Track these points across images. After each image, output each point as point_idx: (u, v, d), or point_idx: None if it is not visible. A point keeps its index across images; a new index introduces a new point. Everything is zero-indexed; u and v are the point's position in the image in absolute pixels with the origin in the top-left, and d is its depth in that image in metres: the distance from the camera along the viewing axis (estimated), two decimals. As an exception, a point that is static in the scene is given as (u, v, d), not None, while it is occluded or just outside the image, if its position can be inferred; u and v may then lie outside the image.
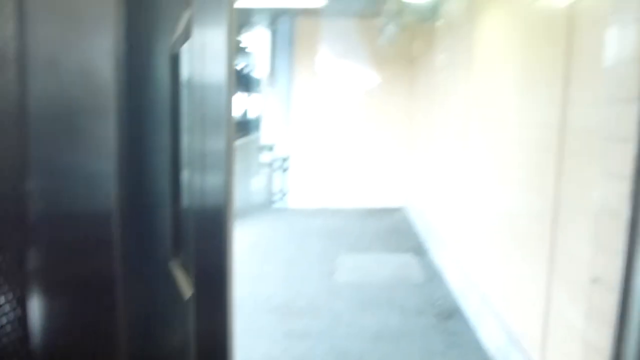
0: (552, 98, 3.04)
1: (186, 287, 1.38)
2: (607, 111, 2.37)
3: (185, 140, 1.54)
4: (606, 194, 2.35)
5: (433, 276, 5.98)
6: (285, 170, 9.83)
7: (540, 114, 3.31)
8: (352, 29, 9.06)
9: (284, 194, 9.91)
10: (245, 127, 11.94)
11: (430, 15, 6.62)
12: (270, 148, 10.04)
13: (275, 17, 9.33)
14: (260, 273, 6.06)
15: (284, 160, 9.81)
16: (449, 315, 4.90)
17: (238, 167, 14.17)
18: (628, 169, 2.01)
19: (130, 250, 1.43)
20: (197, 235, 1.22)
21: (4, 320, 1.21)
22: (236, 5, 1.24)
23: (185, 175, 1.56)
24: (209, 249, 1.23)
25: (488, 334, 4.16)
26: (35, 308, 1.30)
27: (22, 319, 1.27)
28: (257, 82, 12.50)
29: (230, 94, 1.22)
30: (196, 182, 1.22)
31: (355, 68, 9.55)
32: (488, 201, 4.45)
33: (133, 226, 1.48)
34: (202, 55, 1.19)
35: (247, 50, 12.10)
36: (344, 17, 8.88)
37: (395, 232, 8.10)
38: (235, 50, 1.32)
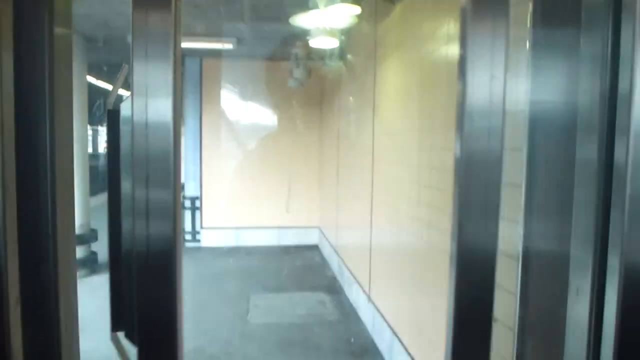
0: (451, 142, 3.19)
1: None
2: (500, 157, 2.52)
3: (126, 188, 1.49)
4: (500, 236, 2.48)
5: (347, 314, 6.04)
6: (196, 209, 9.69)
7: (438, 156, 3.47)
8: (262, 71, 9.16)
9: (196, 233, 9.75)
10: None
11: (336, 60, 6.82)
12: (181, 187, 9.87)
13: (184, 57, 9.29)
14: (171, 318, 5.88)
15: (195, 199, 9.68)
16: (363, 352, 4.95)
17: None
18: (519, 214, 2.14)
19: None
20: (144, 290, 1.19)
21: None
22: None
23: (127, 224, 1.50)
24: (158, 307, 1.19)
25: (400, 370, 4.24)
26: None
27: None
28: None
29: (177, 135, 1.21)
30: (140, 231, 1.19)
31: (265, 108, 9.63)
32: (393, 238, 4.58)
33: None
34: (146, 102, 1.18)
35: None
36: (253, 59, 8.97)
37: (310, 270, 8.13)
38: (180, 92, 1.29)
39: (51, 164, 1.37)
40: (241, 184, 9.61)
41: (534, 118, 2.07)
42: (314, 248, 9.58)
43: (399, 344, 4.30)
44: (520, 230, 2.17)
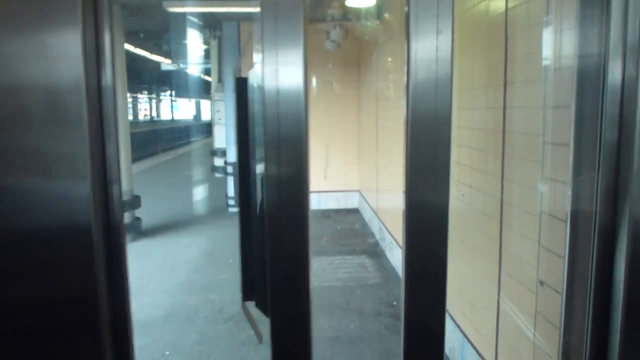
0: (492, 101, 3.09)
1: (258, 329, 1.39)
2: (545, 116, 2.43)
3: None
4: (547, 197, 2.40)
5: (388, 278, 6.02)
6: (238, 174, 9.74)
7: (479, 116, 3.36)
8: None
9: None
10: (197, 131, 11.81)
11: (374, 19, 6.66)
12: (223, 152, 9.94)
13: (222, 22, 9.25)
14: (214, 281, 5.99)
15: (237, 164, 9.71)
16: (405, 315, 4.94)
17: (191, 172, 14.00)
18: (567, 174, 2.05)
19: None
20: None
21: None
22: (182, 9, 1.26)
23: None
24: (290, 279, 1.22)
25: (443, 333, 4.21)
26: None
27: None
28: (209, 86, 12.42)
29: (308, 101, 1.22)
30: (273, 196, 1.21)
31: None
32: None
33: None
34: (277, 69, 1.20)
35: (197, 54, 11.99)
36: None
37: (350, 233, 8.13)
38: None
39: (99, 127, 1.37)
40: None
41: (582, 74, 1.96)
42: (355, 212, 9.56)
43: (442, 307, 4.26)
44: (567, 191, 2.09)
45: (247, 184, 1.58)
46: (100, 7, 1.29)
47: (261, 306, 1.52)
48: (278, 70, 1.24)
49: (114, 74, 1.31)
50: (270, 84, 1.23)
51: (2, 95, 1.17)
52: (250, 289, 1.64)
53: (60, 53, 1.18)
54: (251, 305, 1.69)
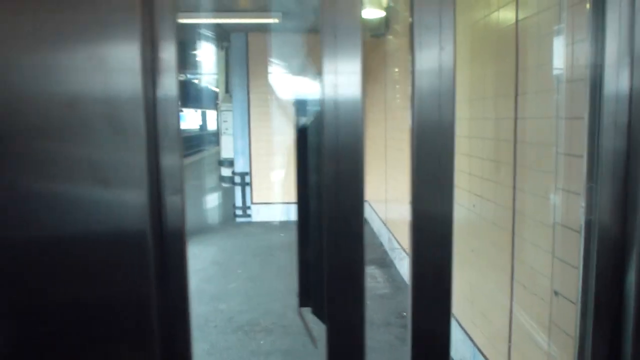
0: (503, 111, 3.10)
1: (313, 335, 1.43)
2: (558, 127, 2.43)
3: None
4: (560, 208, 2.40)
5: (398, 288, 6.01)
6: (246, 184, 9.78)
7: (491, 126, 3.37)
8: (307, 44, 9.08)
9: (247, 209, 9.86)
10: (204, 141, 11.86)
11: (383, 30, 6.69)
12: (231, 162, 9.98)
13: (230, 33, 9.30)
14: (223, 291, 6.00)
15: (245, 174, 9.76)
16: (415, 326, 4.92)
17: (199, 182, 14.04)
18: (580, 185, 2.06)
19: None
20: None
21: None
22: (190, 20, 1.31)
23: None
24: (346, 286, 1.25)
25: (454, 346, 4.20)
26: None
27: None
28: (215, 96, 12.48)
29: (364, 110, 1.27)
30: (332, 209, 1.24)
31: (311, 83, 9.56)
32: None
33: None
34: (335, 81, 1.24)
35: (204, 65, 12.05)
36: (299, 32, 8.89)
37: (359, 243, 8.11)
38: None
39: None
40: (290, 160, 9.63)
41: (594, 84, 1.97)
42: (365, 221, 9.54)
43: (452, 321, 4.25)
44: (581, 202, 2.10)
45: (306, 193, 1.62)
46: (158, 19, 1.31)
47: (318, 313, 1.55)
48: (337, 84, 1.28)
49: (173, 86, 1.33)
50: (329, 96, 1.28)
51: (62, 107, 1.20)
52: (307, 296, 1.67)
53: (119, 66, 1.21)
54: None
